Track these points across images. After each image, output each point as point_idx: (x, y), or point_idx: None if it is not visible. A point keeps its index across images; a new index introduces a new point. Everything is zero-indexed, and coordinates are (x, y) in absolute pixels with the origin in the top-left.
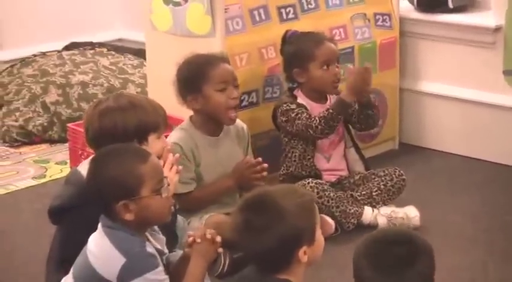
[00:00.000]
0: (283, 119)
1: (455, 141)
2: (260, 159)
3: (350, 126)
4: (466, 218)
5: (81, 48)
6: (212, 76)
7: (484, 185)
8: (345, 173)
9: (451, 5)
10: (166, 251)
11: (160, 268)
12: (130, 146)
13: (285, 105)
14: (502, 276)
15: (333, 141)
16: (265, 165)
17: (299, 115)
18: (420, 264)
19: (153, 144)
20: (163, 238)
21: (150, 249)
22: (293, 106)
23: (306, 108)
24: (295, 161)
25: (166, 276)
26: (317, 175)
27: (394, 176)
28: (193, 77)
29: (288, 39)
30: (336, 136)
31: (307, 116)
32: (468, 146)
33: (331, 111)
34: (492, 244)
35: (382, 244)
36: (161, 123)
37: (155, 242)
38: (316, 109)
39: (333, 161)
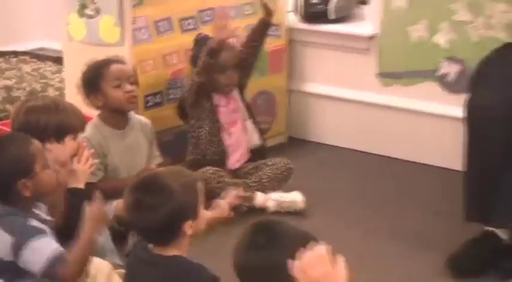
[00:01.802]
0: (196, 77)
1: (338, 135)
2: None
3: (244, 95)
4: (346, 202)
5: (6, 57)
6: (107, 75)
7: (362, 174)
8: (244, 148)
9: (331, 17)
10: (48, 217)
11: (48, 238)
12: (14, 134)
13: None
14: (379, 252)
15: (232, 110)
16: None
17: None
18: (279, 248)
19: (69, 143)
20: (42, 205)
21: (34, 223)
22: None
23: None
24: (204, 138)
25: (58, 245)
26: (223, 151)
27: (281, 164)
28: (92, 78)
29: (199, 41)
30: (232, 103)
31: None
32: (348, 139)
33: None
34: (368, 223)
35: (249, 234)
36: (79, 126)
37: (38, 211)
38: None
39: (234, 136)
